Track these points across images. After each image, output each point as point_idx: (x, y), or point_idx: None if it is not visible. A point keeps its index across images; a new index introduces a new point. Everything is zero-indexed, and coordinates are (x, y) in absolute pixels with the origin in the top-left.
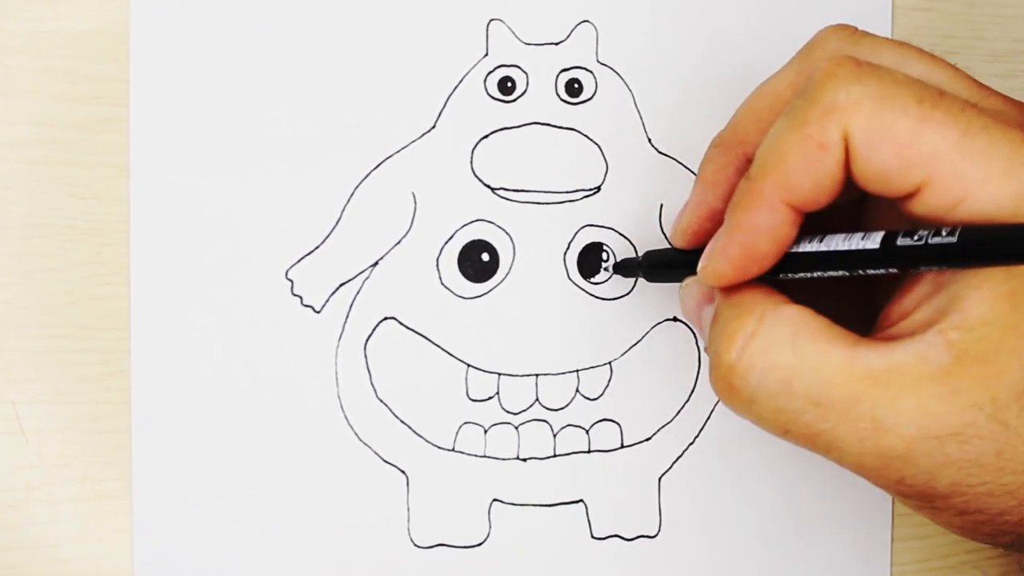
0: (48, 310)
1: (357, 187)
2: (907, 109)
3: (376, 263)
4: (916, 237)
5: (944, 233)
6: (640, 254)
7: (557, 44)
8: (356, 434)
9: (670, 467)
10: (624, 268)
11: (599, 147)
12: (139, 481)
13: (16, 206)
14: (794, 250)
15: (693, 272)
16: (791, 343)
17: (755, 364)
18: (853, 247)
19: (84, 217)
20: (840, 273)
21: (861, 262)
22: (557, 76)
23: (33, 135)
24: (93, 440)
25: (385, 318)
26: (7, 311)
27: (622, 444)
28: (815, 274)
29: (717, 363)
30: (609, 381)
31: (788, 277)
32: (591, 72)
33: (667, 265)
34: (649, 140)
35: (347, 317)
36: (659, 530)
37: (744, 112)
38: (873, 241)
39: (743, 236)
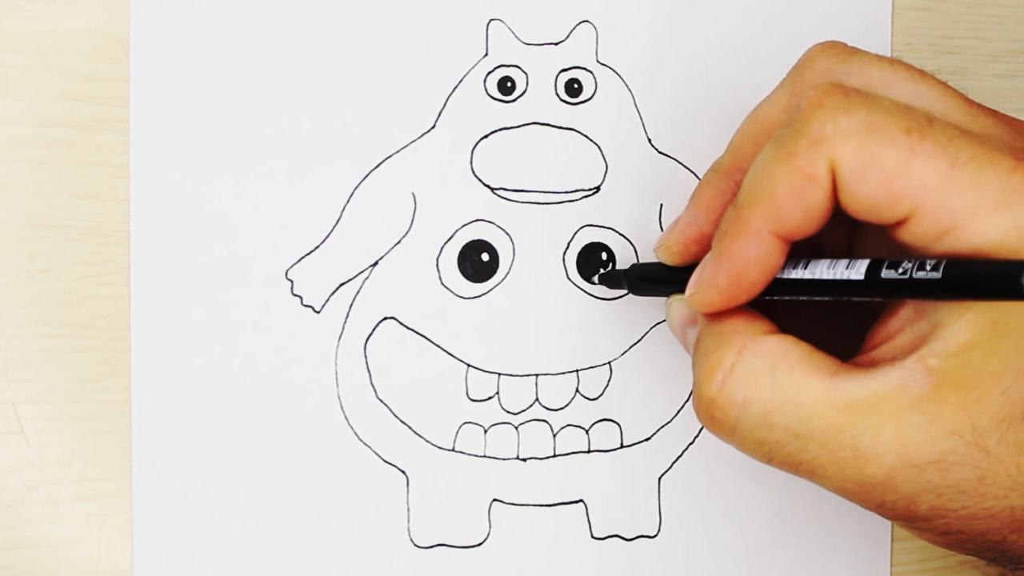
0: (48, 310)
1: (357, 187)
2: (895, 140)
3: (376, 263)
4: (900, 270)
5: (928, 267)
6: (634, 260)
7: (557, 44)
8: (356, 434)
9: (670, 467)
10: (610, 279)
11: (599, 147)
12: (139, 481)
13: (16, 206)
14: (779, 276)
15: (679, 288)
16: (770, 376)
17: (735, 398)
18: (837, 276)
19: (84, 217)
20: (825, 298)
21: (845, 290)
22: (557, 76)
23: (33, 135)
24: (93, 440)
25: (385, 318)
26: (7, 311)
27: (622, 444)
28: (800, 297)
29: (698, 394)
30: (609, 381)
31: (773, 299)
32: (591, 72)
33: (653, 280)
34: (649, 140)
35: (347, 317)
36: (659, 530)
37: (740, 138)
38: (858, 271)
39: (731, 266)
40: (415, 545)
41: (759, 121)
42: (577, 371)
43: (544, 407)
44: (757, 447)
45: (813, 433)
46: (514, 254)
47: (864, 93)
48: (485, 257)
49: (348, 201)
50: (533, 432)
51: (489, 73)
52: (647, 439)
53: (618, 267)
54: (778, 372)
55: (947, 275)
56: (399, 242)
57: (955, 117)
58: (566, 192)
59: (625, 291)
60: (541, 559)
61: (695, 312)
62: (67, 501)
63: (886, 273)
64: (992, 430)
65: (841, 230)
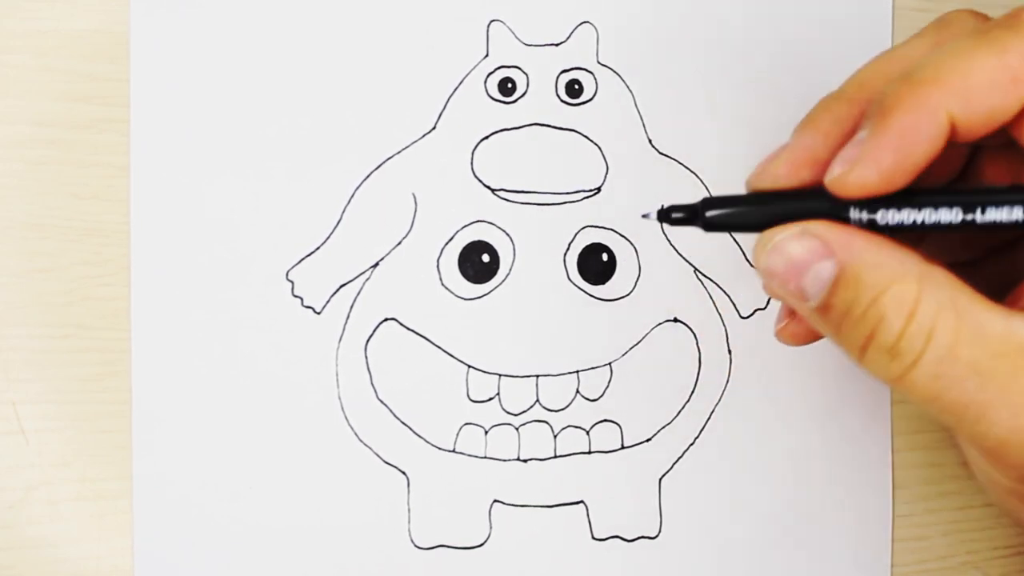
0: (48, 310)
1: (358, 188)
2: None
3: (376, 264)
4: None
5: None
6: (635, 260)
7: (557, 45)
8: (356, 435)
9: (671, 468)
10: (672, 215)
11: (599, 148)
12: (139, 481)
13: (16, 206)
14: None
15: (778, 219)
16: (953, 308)
17: (923, 328)
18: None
19: (84, 217)
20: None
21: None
22: (557, 77)
23: (33, 135)
24: (93, 440)
25: (386, 319)
26: (7, 311)
27: (622, 445)
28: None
29: (883, 329)
30: (609, 382)
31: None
32: (591, 73)
33: (744, 206)
34: (649, 140)
35: (348, 318)
36: (660, 531)
37: (871, 70)
38: None
39: (899, 141)
40: (416, 546)
41: (896, 59)
42: (578, 372)
43: (545, 408)
44: (930, 383)
45: (995, 372)
46: (515, 255)
47: None
48: (486, 258)
49: (348, 202)
50: (534, 433)
51: (490, 74)
52: (648, 440)
53: (619, 266)
54: (959, 304)
55: None
56: (400, 243)
57: None
58: (567, 193)
59: (626, 292)
60: (542, 560)
61: (825, 245)
62: (67, 501)
63: None
64: None
65: (954, 156)
